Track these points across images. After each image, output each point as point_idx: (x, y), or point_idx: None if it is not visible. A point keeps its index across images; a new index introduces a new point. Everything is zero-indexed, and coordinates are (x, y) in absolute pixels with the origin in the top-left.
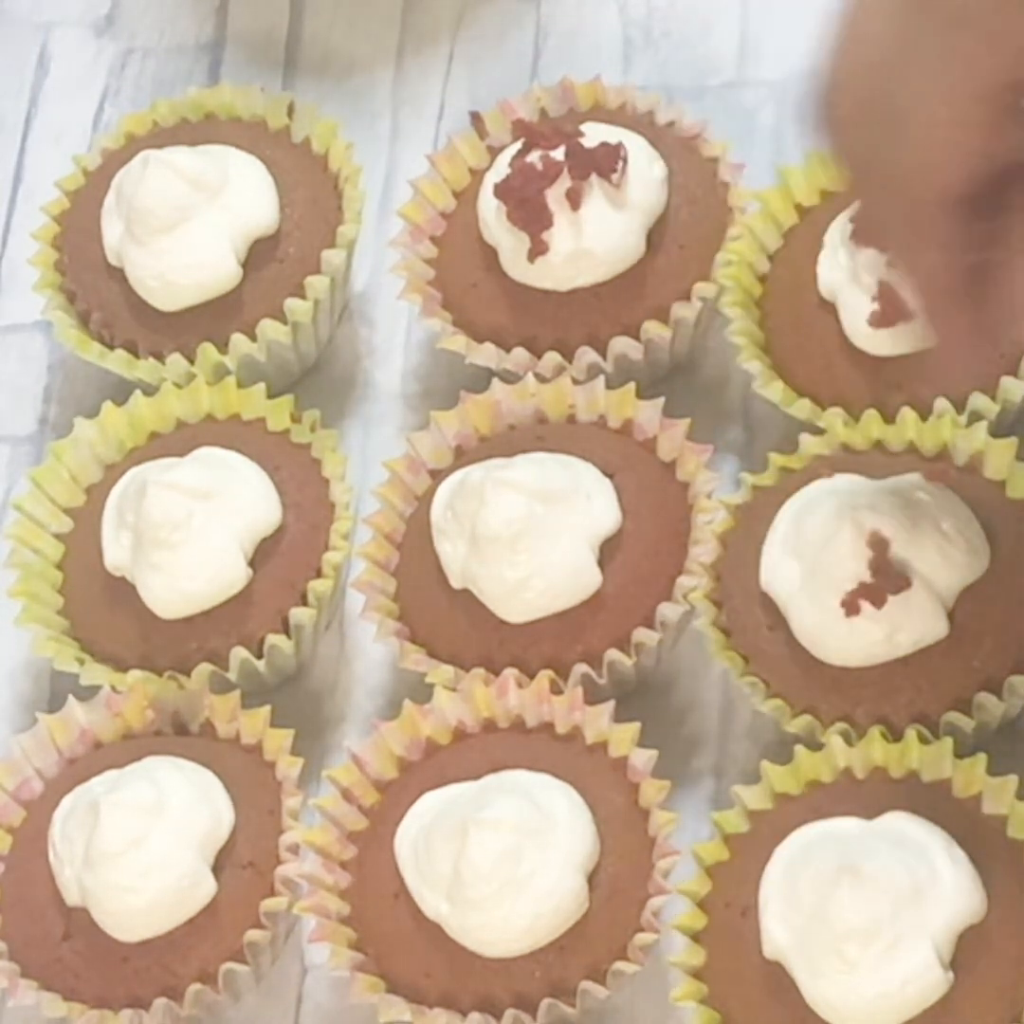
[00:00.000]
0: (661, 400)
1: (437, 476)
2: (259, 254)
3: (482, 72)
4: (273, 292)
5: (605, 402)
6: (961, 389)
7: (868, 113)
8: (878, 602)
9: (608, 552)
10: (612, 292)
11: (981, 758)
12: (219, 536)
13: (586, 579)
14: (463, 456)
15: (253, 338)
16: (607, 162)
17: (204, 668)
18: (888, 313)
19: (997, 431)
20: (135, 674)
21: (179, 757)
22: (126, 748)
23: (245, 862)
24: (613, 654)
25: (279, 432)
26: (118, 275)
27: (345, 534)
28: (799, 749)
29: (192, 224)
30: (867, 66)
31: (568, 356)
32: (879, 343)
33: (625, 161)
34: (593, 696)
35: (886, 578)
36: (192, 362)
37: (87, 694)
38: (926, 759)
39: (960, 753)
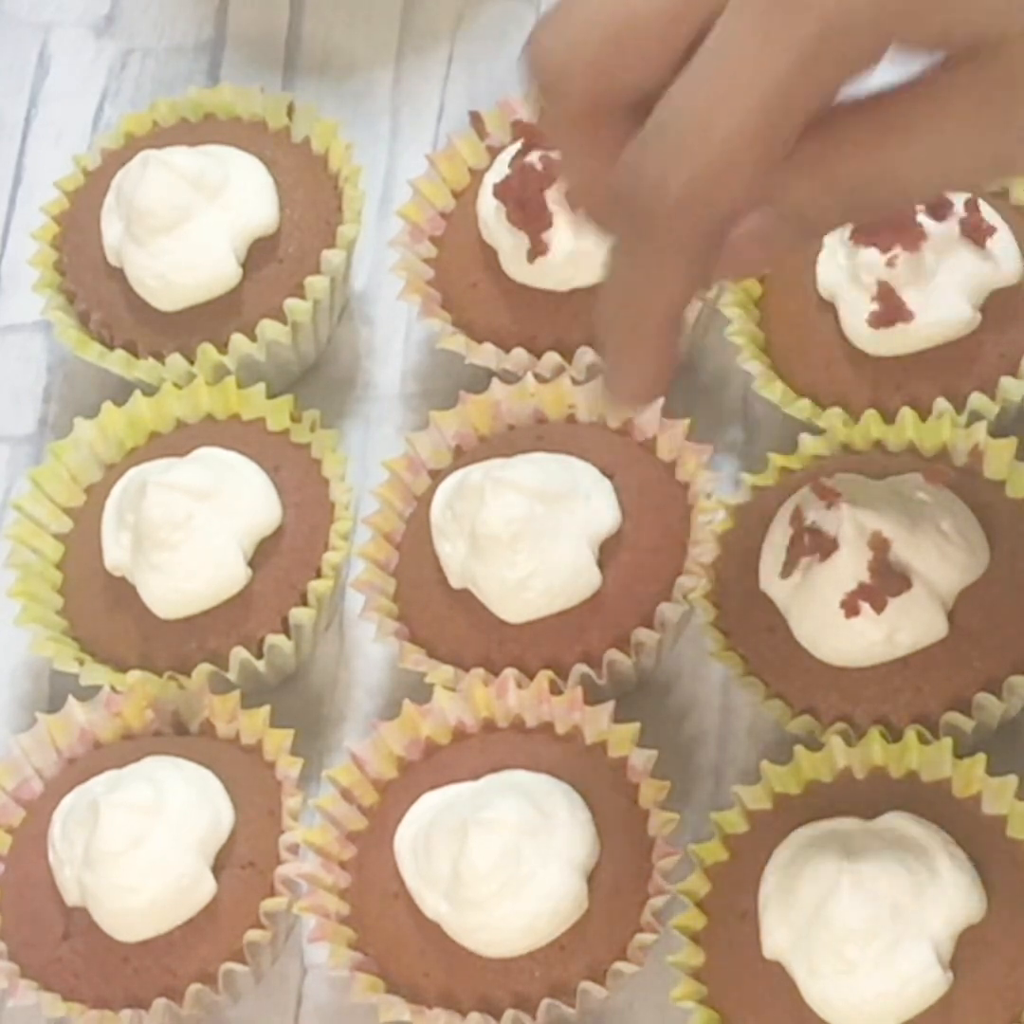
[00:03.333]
0: (661, 400)
1: (437, 476)
2: (259, 254)
3: (482, 72)
4: (273, 292)
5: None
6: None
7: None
8: (878, 606)
9: (608, 552)
10: None
11: (981, 758)
12: (219, 536)
13: (586, 579)
14: (463, 456)
15: (253, 338)
16: None
17: (204, 668)
18: (888, 313)
19: (997, 431)
20: (135, 674)
21: (179, 757)
22: (126, 748)
23: (245, 862)
24: (613, 654)
25: (279, 432)
26: (118, 275)
27: (345, 534)
28: (799, 749)
29: (192, 224)
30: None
31: (568, 356)
32: (879, 343)
33: None
34: (593, 696)
35: (886, 580)
36: (192, 362)
37: (87, 694)
38: (926, 759)
39: (960, 753)
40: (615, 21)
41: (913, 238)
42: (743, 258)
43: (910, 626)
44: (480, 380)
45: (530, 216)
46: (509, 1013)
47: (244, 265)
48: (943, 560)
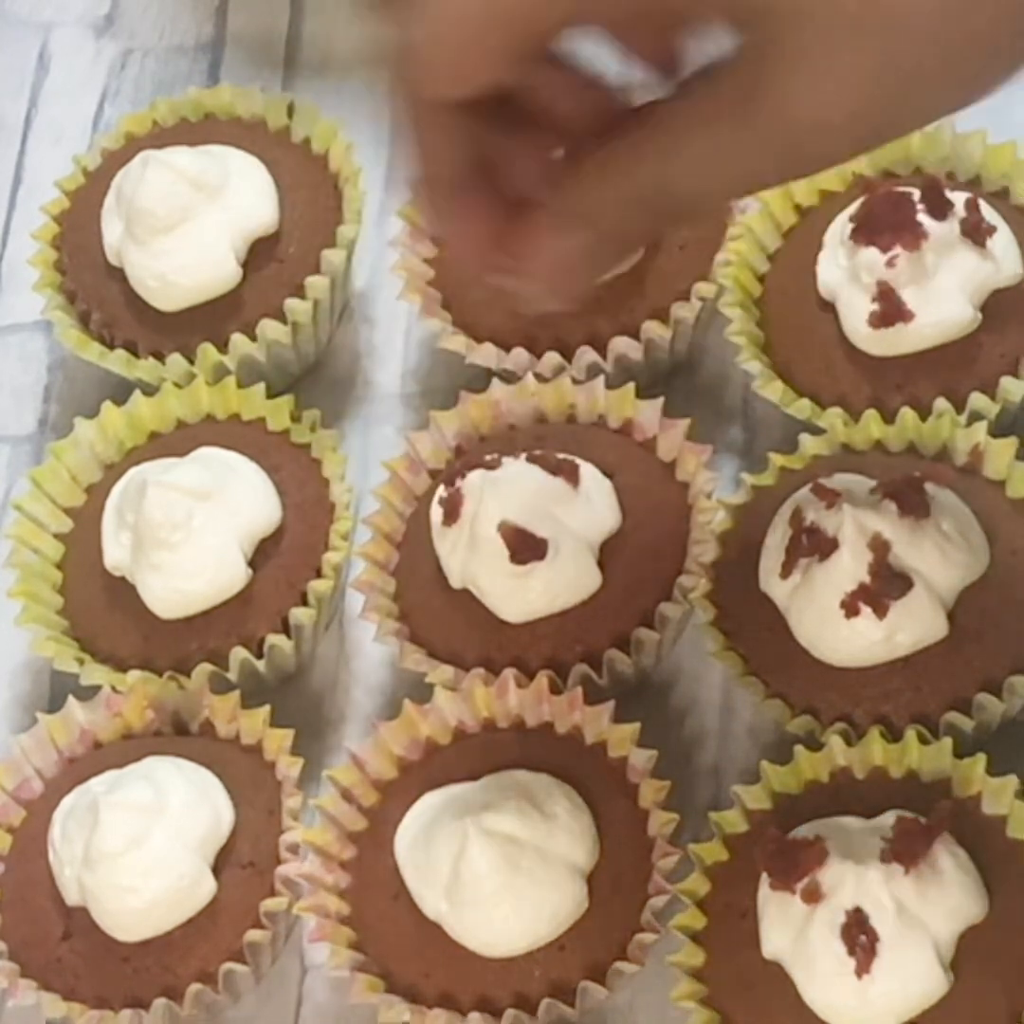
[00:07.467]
0: (661, 400)
1: (437, 476)
2: (259, 254)
3: None
4: (273, 292)
5: (605, 402)
6: (480, 282)
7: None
8: (880, 611)
9: (608, 552)
10: (612, 292)
11: (981, 758)
12: (219, 536)
13: (586, 579)
14: (463, 456)
15: (253, 338)
16: None
17: (204, 668)
18: (888, 313)
19: (997, 431)
20: (135, 674)
21: (179, 757)
22: (126, 748)
23: (245, 862)
24: (613, 654)
25: (279, 432)
26: (118, 275)
27: (345, 534)
28: (799, 749)
29: (192, 224)
30: None
31: (568, 356)
32: (879, 343)
33: None
34: (593, 696)
35: (886, 582)
36: (192, 362)
37: (87, 694)
38: (926, 759)
39: (960, 753)
40: (477, 19)
41: (913, 237)
42: (565, 283)
43: (910, 626)
44: (480, 380)
45: None
46: (509, 1013)
47: (244, 265)
48: (944, 560)
